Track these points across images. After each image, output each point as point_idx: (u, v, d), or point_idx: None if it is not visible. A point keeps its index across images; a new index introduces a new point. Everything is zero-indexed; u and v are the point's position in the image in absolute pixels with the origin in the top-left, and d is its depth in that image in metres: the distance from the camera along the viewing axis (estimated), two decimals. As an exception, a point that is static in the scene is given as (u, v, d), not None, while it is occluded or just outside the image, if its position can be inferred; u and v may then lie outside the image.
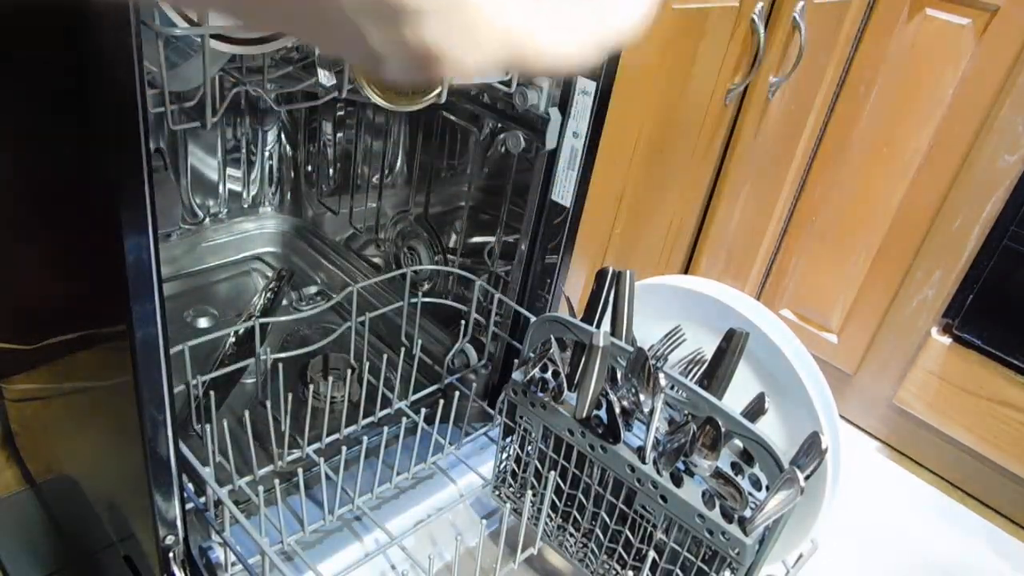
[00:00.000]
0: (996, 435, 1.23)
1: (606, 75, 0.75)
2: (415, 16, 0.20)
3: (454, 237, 1.04)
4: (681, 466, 0.66)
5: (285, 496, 0.77)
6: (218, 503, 0.67)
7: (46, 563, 0.90)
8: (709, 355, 0.70)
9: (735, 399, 0.66)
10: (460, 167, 1.01)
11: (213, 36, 0.52)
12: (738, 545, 0.62)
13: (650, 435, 0.66)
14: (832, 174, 1.32)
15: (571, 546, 0.77)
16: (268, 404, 0.77)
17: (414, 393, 0.91)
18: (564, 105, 0.78)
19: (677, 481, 0.66)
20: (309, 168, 1.24)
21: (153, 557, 0.66)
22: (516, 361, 0.80)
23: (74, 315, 0.68)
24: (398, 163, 1.10)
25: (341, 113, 1.16)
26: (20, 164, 0.65)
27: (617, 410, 0.67)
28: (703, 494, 0.64)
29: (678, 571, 0.68)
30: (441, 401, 0.84)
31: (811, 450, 0.60)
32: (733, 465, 0.64)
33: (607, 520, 0.72)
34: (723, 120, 1.08)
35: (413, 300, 0.95)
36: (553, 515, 0.77)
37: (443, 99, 0.67)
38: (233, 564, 0.70)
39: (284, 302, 1.15)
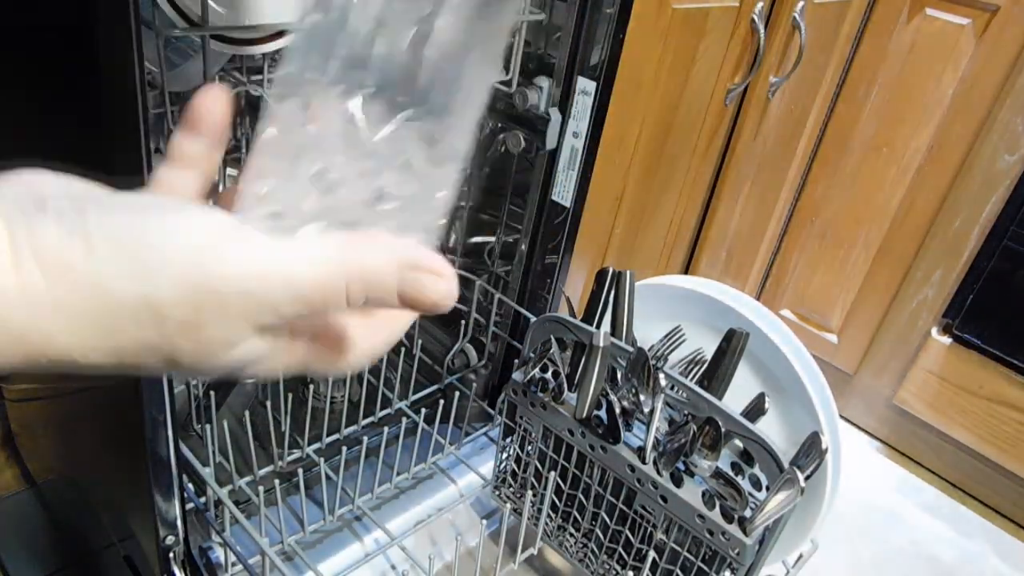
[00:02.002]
0: (996, 435, 1.23)
1: (606, 75, 0.75)
2: None
3: (454, 237, 1.04)
4: (681, 466, 0.66)
5: (285, 496, 0.77)
6: (218, 503, 0.67)
7: (46, 563, 0.90)
8: (709, 355, 0.70)
9: (735, 399, 0.66)
10: (460, 167, 1.01)
11: (213, 36, 0.52)
12: (738, 545, 0.62)
13: (650, 435, 0.66)
14: (832, 174, 1.32)
15: (571, 546, 0.77)
16: (268, 404, 0.77)
17: (414, 393, 0.91)
18: (564, 105, 0.78)
19: (677, 481, 0.66)
20: (309, 168, 1.24)
21: (153, 557, 0.66)
22: (516, 361, 0.80)
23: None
24: (398, 163, 1.10)
25: (341, 113, 1.16)
26: (20, 164, 0.65)
27: (617, 410, 0.67)
28: (703, 494, 0.64)
29: (678, 571, 0.68)
30: (441, 401, 0.84)
31: (811, 450, 0.60)
32: (733, 465, 0.64)
33: (607, 520, 0.72)
34: (723, 120, 1.08)
35: (413, 300, 0.95)
36: (553, 515, 0.77)
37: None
38: (233, 564, 0.70)
39: (284, 302, 1.15)
